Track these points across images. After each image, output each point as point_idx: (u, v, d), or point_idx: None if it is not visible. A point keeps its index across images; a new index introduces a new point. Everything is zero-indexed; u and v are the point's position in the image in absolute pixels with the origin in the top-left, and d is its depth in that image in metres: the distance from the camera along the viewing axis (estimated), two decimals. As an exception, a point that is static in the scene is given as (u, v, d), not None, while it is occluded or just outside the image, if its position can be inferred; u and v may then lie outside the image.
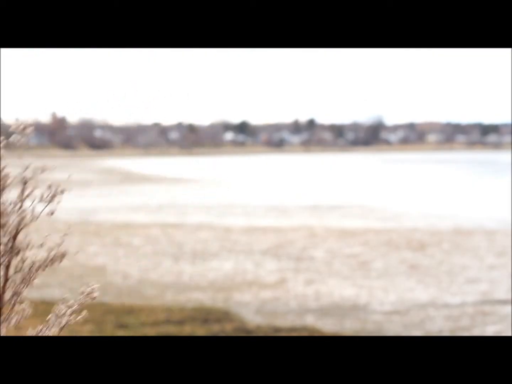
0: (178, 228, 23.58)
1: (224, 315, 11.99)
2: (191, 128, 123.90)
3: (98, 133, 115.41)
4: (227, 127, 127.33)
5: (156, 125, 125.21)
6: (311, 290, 14.31)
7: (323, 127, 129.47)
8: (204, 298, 13.52)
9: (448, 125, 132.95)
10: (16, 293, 1.35)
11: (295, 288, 14.50)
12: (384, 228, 22.98)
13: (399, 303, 13.26)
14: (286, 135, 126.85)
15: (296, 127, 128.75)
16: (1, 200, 1.30)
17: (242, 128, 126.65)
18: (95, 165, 65.05)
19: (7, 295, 1.35)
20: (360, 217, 26.22)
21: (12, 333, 1.37)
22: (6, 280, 1.34)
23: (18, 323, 1.35)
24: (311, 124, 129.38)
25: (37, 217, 1.31)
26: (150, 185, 44.09)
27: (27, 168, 1.31)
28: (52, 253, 1.35)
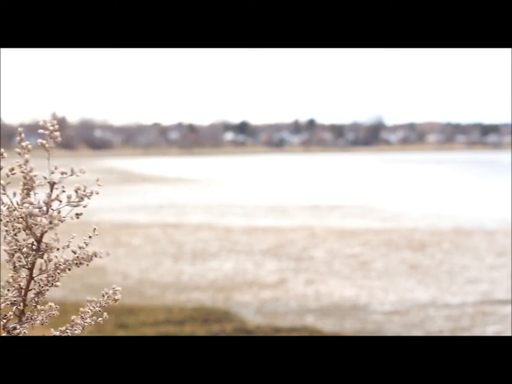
0: (178, 228, 23.58)
1: (224, 315, 11.99)
2: (191, 128, 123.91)
3: (98, 133, 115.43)
4: (227, 127, 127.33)
5: (156, 125, 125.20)
6: (311, 290, 14.31)
7: (323, 127, 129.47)
8: (204, 298, 13.52)
9: (448, 125, 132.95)
10: (39, 293, 1.36)
11: (295, 288, 14.50)
12: (384, 228, 22.98)
13: (399, 303, 13.26)
14: (286, 135, 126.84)
15: (296, 127, 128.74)
16: (28, 201, 1.31)
17: (242, 128, 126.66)
18: (95, 165, 65.03)
19: (30, 295, 1.36)
20: (360, 217, 26.22)
21: (36, 333, 1.38)
22: (30, 280, 1.35)
23: (43, 323, 1.36)
24: (311, 124, 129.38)
25: (64, 220, 1.31)
26: (150, 185, 44.09)
27: (54, 170, 1.32)
28: (79, 254, 1.36)
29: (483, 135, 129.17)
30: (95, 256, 1.36)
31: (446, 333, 11.19)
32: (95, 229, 1.37)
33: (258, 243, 20.15)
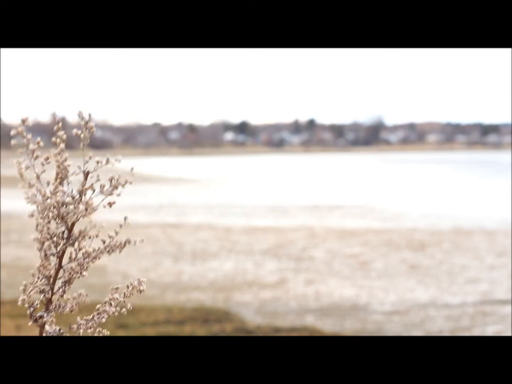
0: (178, 228, 23.58)
1: (224, 315, 11.99)
2: (191, 128, 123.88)
3: (98, 133, 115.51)
4: (227, 127, 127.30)
5: (156, 125, 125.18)
6: (311, 290, 14.31)
7: (323, 127, 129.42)
8: (204, 298, 13.52)
9: (448, 125, 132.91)
10: (68, 282, 1.37)
11: (295, 288, 14.50)
12: (384, 228, 22.98)
13: (399, 303, 13.26)
14: (286, 135, 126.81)
15: (296, 127, 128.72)
16: (61, 190, 1.31)
17: (242, 128, 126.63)
18: (94, 165, 64.98)
19: (58, 284, 1.36)
20: (360, 217, 26.22)
21: (62, 321, 1.38)
22: (59, 268, 1.35)
23: (72, 310, 1.37)
24: (311, 124, 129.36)
25: (96, 209, 1.32)
26: (150, 185, 44.10)
27: (89, 160, 1.33)
28: (109, 242, 1.37)
29: (483, 135, 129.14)
30: (128, 243, 1.37)
31: (446, 333, 11.19)
32: (125, 218, 1.38)
33: (258, 243, 20.15)
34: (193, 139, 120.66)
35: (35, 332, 1.37)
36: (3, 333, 9.94)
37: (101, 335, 1.38)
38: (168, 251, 18.91)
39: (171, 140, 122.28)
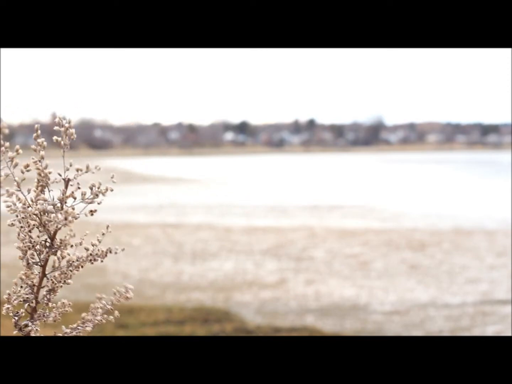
0: (178, 228, 23.58)
1: (224, 315, 11.99)
2: (191, 128, 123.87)
3: (98, 133, 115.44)
4: (227, 127, 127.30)
5: (156, 125, 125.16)
6: (311, 290, 14.31)
7: (323, 127, 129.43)
8: (204, 298, 13.53)
9: (448, 125, 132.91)
10: (52, 290, 1.36)
11: (295, 288, 14.50)
12: (384, 228, 22.98)
13: (399, 303, 13.26)
14: (286, 135, 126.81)
15: (296, 127, 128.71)
16: (42, 198, 1.31)
17: (242, 128, 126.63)
18: (95, 165, 64.98)
19: (43, 293, 1.36)
20: (360, 217, 26.22)
21: (47, 330, 1.38)
22: (43, 277, 1.35)
23: (55, 320, 1.36)
24: (311, 124, 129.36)
25: (77, 217, 1.32)
26: (150, 185, 44.09)
27: (69, 167, 1.32)
28: (92, 251, 1.36)
29: (483, 135, 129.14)
30: (110, 252, 1.37)
31: (446, 333, 11.19)
32: (108, 226, 1.37)
33: (258, 243, 20.15)
34: (193, 139, 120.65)
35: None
36: (3, 333, 9.94)
37: (75, 335, 1.38)
38: (168, 251, 18.91)
39: (171, 140, 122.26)
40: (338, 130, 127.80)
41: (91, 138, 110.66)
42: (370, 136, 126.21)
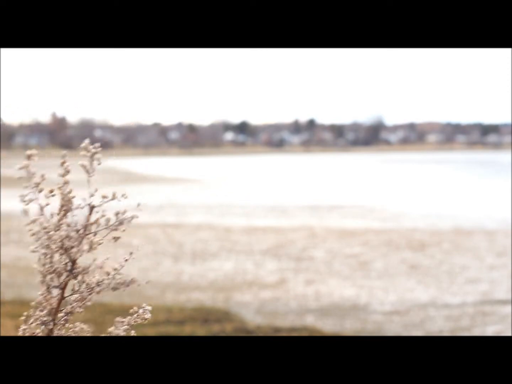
0: (178, 228, 23.58)
1: (224, 315, 11.99)
2: (191, 128, 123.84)
3: (98, 133, 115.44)
4: (227, 127, 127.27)
5: (156, 125, 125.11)
6: (311, 290, 14.31)
7: (323, 127, 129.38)
8: (204, 298, 13.52)
9: (448, 125, 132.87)
10: (70, 313, 1.36)
11: (295, 288, 14.50)
12: (384, 228, 22.98)
13: (399, 303, 13.26)
14: (286, 135, 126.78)
15: (296, 127, 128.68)
16: (66, 223, 1.31)
17: (242, 128, 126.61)
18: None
19: (60, 315, 1.36)
20: (360, 217, 26.22)
21: None
22: (61, 300, 1.35)
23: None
24: (311, 124, 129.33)
25: (101, 243, 1.32)
26: (150, 185, 44.09)
27: (94, 194, 1.32)
28: (113, 279, 1.36)
29: (483, 135, 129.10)
30: (133, 283, 1.36)
31: (446, 333, 11.18)
32: (138, 247, 1.37)
33: (258, 243, 20.14)
34: (193, 139, 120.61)
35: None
36: (3, 333, 9.94)
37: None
38: (168, 251, 18.91)
39: (171, 140, 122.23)
40: (338, 130, 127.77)
41: (91, 138, 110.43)
42: (370, 136, 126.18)
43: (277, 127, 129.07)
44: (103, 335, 1.40)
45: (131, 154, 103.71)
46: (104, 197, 1.31)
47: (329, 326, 11.66)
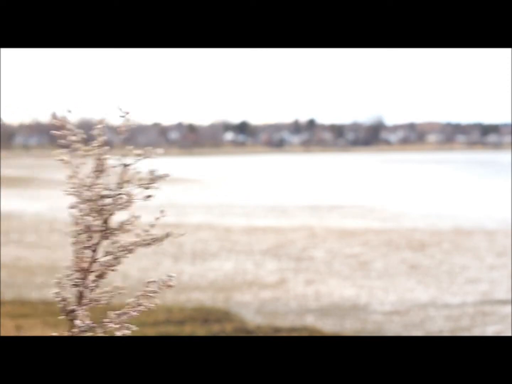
0: (178, 228, 23.58)
1: (224, 315, 11.99)
2: (191, 128, 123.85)
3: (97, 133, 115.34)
4: (227, 127, 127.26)
5: (156, 125, 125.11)
6: (311, 290, 14.31)
7: (323, 127, 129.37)
8: (204, 298, 13.53)
9: (448, 125, 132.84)
10: (100, 276, 1.36)
11: (295, 288, 14.50)
12: (384, 228, 22.98)
13: (399, 303, 13.26)
14: (286, 135, 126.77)
15: (296, 127, 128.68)
16: (99, 183, 1.31)
17: (242, 128, 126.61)
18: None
19: (92, 277, 1.36)
20: (360, 217, 26.22)
21: (95, 314, 1.38)
22: (94, 261, 1.35)
23: (108, 303, 1.36)
24: (311, 124, 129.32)
25: (133, 201, 1.32)
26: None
27: (126, 155, 1.32)
28: (145, 235, 1.36)
29: (483, 135, 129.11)
30: (168, 236, 1.38)
31: (446, 333, 11.18)
32: (162, 210, 1.38)
33: (258, 243, 20.15)
34: (193, 139, 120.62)
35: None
36: (3, 333, 9.94)
37: (127, 333, 1.38)
38: (168, 251, 18.91)
39: (171, 140, 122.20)
40: (338, 130, 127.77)
41: (92, 138, 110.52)
42: (370, 136, 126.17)
43: (277, 127, 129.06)
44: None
45: (131, 154, 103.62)
46: (137, 155, 1.31)
47: (329, 326, 11.66)
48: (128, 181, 1.31)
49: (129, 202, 1.31)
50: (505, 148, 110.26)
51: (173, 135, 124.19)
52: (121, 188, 1.31)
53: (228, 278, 15.44)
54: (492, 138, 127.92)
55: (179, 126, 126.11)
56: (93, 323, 1.36)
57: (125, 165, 1.32)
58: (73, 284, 1.34)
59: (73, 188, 1.31)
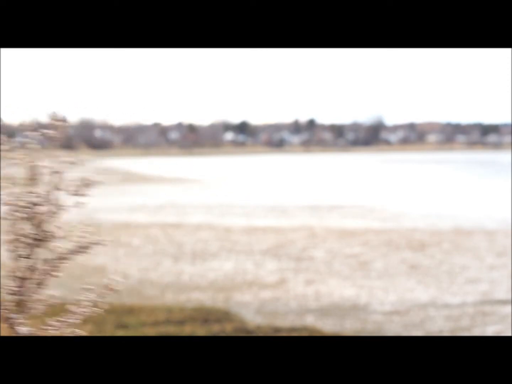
0: (178, 228, 23.58)
1: (224, 315, 11.99)
2: (191, 128, 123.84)
3: (98, 133, 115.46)
4: (227, 127, 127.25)
5: (156, 125, 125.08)
6: (311, 290, 14.31)
7: (323, 127, 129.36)
8: (204, 298, 13.52)
9: (448, 125, 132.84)
10: (40, 283, 1.36)
11: (295, 288, 14.50)
12: (384, 228, 22.98)
13: (399, 303, 13.26)
14: (286, 135, 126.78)
15: (296, 127, 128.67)
16: (30, 190, 1.31)
17: (242, 128, 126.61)
18: (95, 165, 65.05)
19: (29, 284, 1.36)
20: (360, 217, 26.22)
21: (34, 322, 1.38)
22: (31, 269, 1.35)
23: (43, 312, 1.36)
24: (311, 124, 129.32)
25: (64, 209, 1.32)
26: (150, 185, 44.09)
27: (56, 162, 1.32)
28: (80, 243, 1.36)
29: (483, 135, 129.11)
30: (98, 244, 1.37)
31: (446, 333, 11.18)
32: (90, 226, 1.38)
33: (258, 243, 20.15)
34: (193, 139, 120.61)
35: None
36: (3, 333, 9.94)
37: (76, 335, 1.38)
38: (168, 251, 18.91)
39: (171, 140, 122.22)
40: (338, 130, 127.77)
41: (91, 138, 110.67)
42: (370, 136, 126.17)
43: (277, 127, 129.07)
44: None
45: (131, 154, 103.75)
46: (65, 162, 1.31)
47: (329, 326, 11.66)
48: (59, 188, 1.31)
49: (59, 209, 1.31)
50: (505, 148, 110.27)
51: (173, 135, 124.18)
52: (52, 195, 1.31)
53: (228, 278, 15.44)
54: (492, 138, 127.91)
55: (179, 126, 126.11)
56: (33, 330, 1.37)
57: (56, 172, 1.32)
58: (12, 292, 1.34)
59: (6, 196, 1.31)
